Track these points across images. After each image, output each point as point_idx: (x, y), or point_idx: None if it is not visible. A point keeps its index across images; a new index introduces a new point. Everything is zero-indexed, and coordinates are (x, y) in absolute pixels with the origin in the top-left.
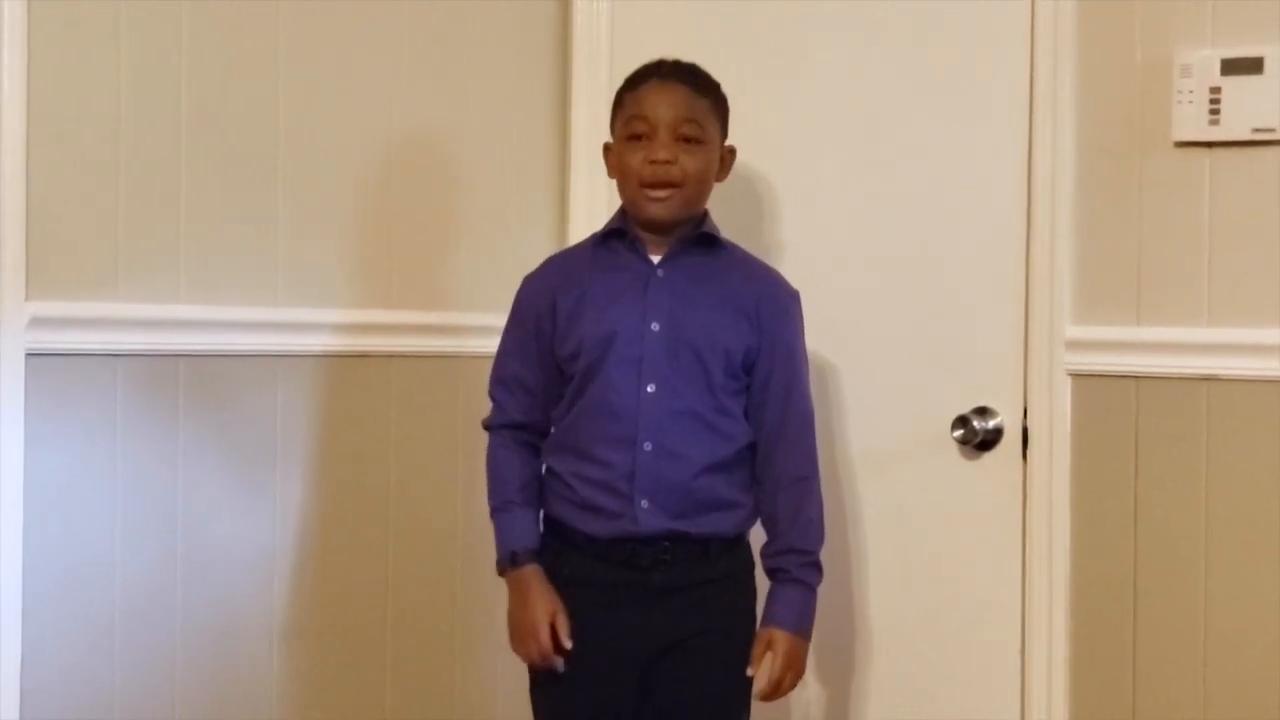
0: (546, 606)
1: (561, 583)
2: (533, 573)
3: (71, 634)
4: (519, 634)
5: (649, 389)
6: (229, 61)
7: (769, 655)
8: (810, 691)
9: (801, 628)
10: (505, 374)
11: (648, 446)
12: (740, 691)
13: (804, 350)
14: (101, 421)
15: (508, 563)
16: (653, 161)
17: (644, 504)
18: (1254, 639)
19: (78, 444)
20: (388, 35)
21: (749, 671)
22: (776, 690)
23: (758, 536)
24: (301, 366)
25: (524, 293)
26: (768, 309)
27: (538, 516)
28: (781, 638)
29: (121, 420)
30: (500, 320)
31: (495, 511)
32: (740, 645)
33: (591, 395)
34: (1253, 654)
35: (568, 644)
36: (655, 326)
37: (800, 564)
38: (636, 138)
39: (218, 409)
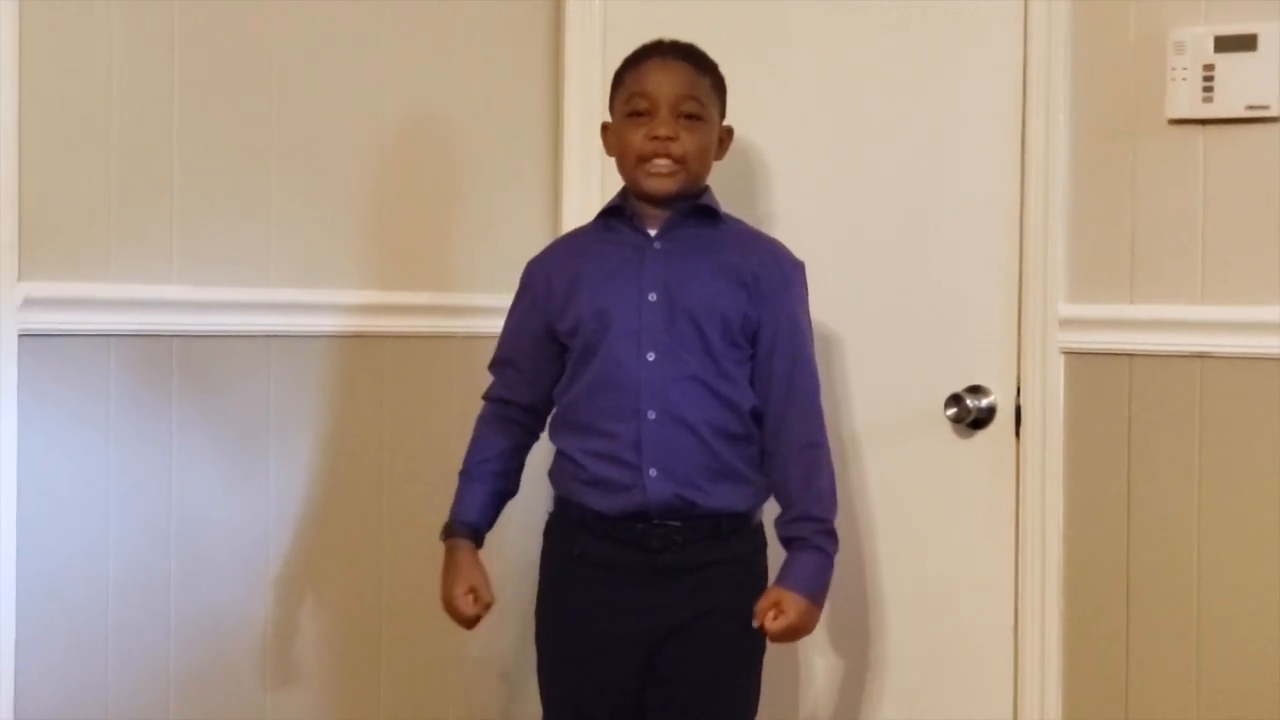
0: (465, 582)
1: (570, 562)
2: (458, 546)
3: (65, 613)
4: (443, 603)
5: (649, 357)
6: (222, 42)
7: (773, 613)
8: (805, 668)
9: (814, 593)
10: (499, 352)
11: (651, 415)
12: (748, 671)
13: (808, 320)
14: (94, 402)
15: (444, 531)
16: (654, 138)
17: (652, 472)
18: (1247, 617)
19: (71, 424)
20: (381, 18)
21: (754, 623)
22: (777, 640)
23: (769, 521)
24: (295, 347)
25: (524, 274)
26: (768, 279)
27: (493, 492)
28: (791, 598)
29: (114, 401)
30: (493, 300)
31: (459, 476)
32: (748, 626)
33: (592, 369)
34: (1246, 632)
35: (480, 615)
36: (652, 297)
37: (816, 530)
38: (638, 114)
39: (211, 389)
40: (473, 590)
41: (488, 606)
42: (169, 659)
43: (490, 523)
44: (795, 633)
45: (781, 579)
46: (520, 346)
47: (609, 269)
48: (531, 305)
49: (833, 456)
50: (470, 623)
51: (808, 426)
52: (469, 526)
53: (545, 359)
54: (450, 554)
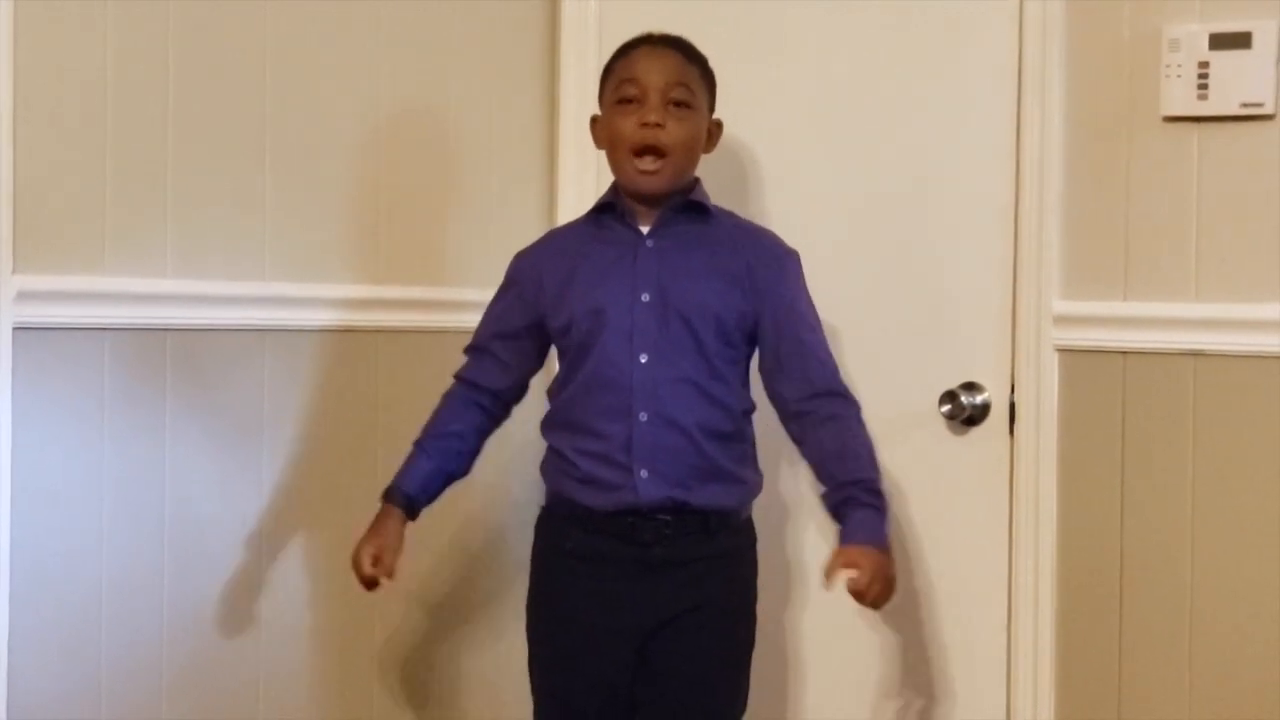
0: (375, 544)
1: (562, 556)
2: (388, 512)
3: (59, 606)
4: (351, 557)
5: (642, 359)
6: (217, 36)
7: (854, 571)
8: (794, 664)
9: (881, 543)
10: (477, 338)
11: (643, 416)
12: (738, 667)
13: (810, 303)
14: (89, 395)
15: (383, 494)
16: (644, 124)
17: (643, 474)
18: (1240, 613)
19: (65, 418)
20: (376, 11)
21: (825, 585)
22: (868, 600)
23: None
24: (289, 341)
25: (512, 265)
26: (761, 271)
27: (438, 469)
28: (862, 552)
29: (109, 394)
30: (487, 296)
31: (412, 445)
32: (738, 619)
33: (586, 369)
34: (1239, 628)
35: (383, 580)
36: (645, 297)
37: (864, 490)
38: (627, 101)
39: (205, 383)
40: (378, 556)
41: (388, 575)
42: (162, 652)
43: (430, 498)
44: (882, 583)
45: (845, 539)
46: (499, 336)
47: (602, 268)
48: (518, 299)
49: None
50: (366, 584)
51: (832, 404)
52: (404, 496)
53: (522, 352)
54: (378, 516)
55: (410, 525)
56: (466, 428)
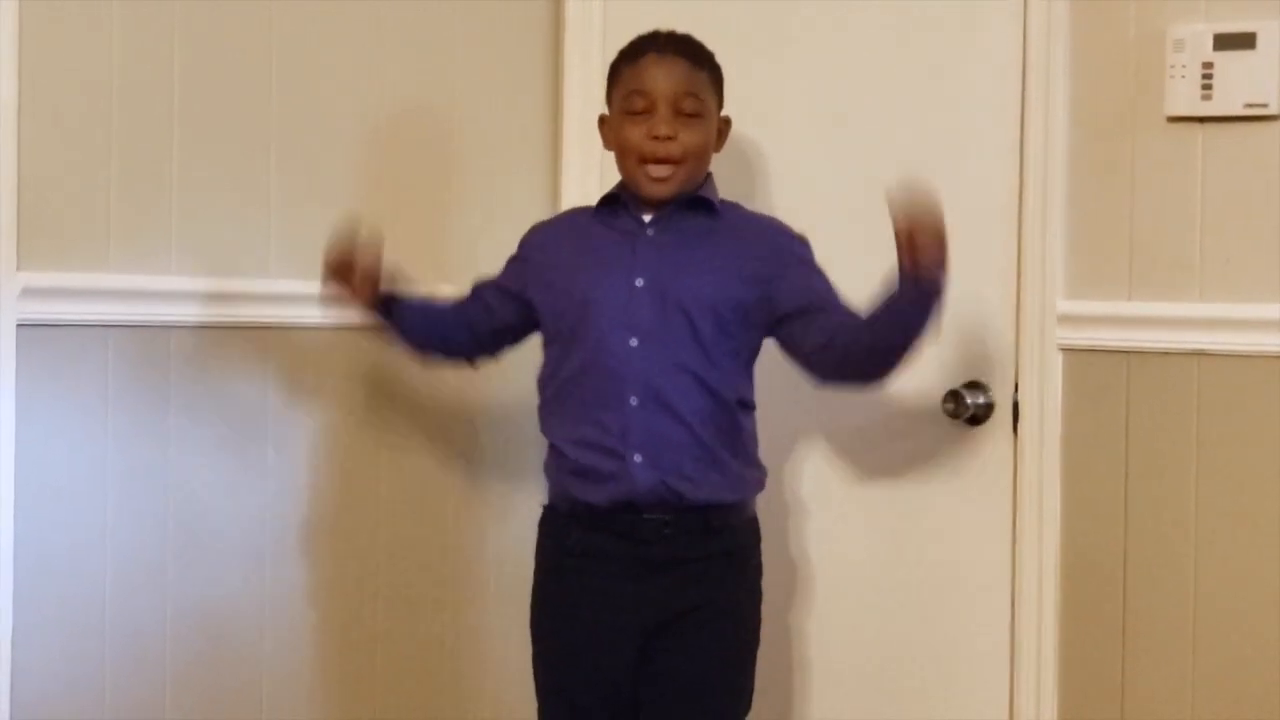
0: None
1: (563, 554)
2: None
3: (62, 603)
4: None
5: (632, 343)
6: (222, 33)
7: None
8: (799, 664)
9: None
10: (482, 282)
11: (634, 401)
12: (740, 667)
13: (822, 275)
14: (93, 392)
15: None
16: (654, 137)
17: (637, 458)
18: (1244, 613)
19: (69, 414)
20: (381, 11)
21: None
22: (921, 240)
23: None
24: (293, 338)
25: (526, 238)
26: (771, 260)
27: (416, 304)
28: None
29: (113, 391)
30: None
31: None
32: (740, 620)
33: (578, 355)
34: (1243, 629)
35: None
36: (639, 282)
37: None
38: (635, 113)
39: (209, 380)
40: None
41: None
42: (166, 649)
43: (403, 306)
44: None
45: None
46: (498, 294)
47: (601, 254)
48: (520, 270)
49: (830, 450)
50: (333, 261)
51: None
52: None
53: (505, 308)
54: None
55: (418, 519)
56: (448, 315)
